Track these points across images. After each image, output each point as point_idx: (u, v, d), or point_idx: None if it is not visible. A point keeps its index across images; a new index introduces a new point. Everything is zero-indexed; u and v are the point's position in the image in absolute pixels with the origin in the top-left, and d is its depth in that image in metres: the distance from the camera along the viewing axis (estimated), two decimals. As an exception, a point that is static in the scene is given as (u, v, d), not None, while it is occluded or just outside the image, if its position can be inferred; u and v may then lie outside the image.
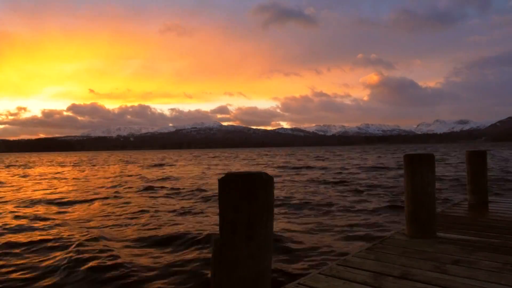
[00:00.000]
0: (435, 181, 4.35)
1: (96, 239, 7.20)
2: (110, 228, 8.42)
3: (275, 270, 5.26)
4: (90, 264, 5.75)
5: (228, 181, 1.97)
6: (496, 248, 3.72)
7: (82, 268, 5.60)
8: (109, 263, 5.78)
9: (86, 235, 7.55)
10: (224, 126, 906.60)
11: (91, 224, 8.95)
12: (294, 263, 5.75)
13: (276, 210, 9.52)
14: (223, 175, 2.01)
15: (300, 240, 7.05)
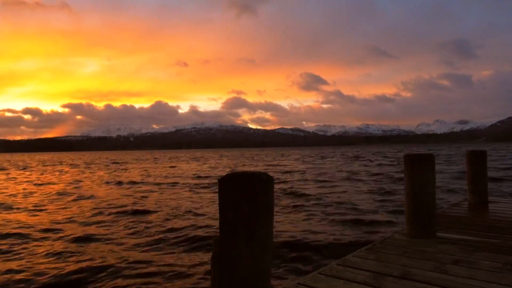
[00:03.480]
0: (435, 181, 4.35)
1: None
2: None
3: (275, 270, 5.26)
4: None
5: (228, 181, 1.97)
6: (496, 248, 3.72)
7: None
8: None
9: None
10: (224, 126, 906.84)
11: None
12: (294, 263, 5.75)
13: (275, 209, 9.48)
14: (223, 175, 2.01)
15: (300, 240, 7.05)
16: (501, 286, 2.79)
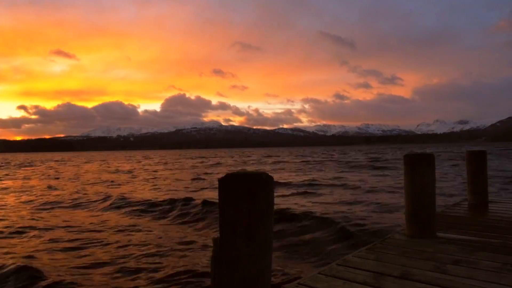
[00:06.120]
0: (435, 181, 4.35)
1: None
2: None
3: (275, 270, 5.26)
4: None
5: (228, 181, 1.97)
6: (496, 248, 3.72)
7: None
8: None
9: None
10: (224, 126, 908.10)
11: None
12: (294, 263, 5.75)
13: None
14: (223, 175, 2.01)
15: (299, 239, 7.05)
16: (501, 286, 2.79)
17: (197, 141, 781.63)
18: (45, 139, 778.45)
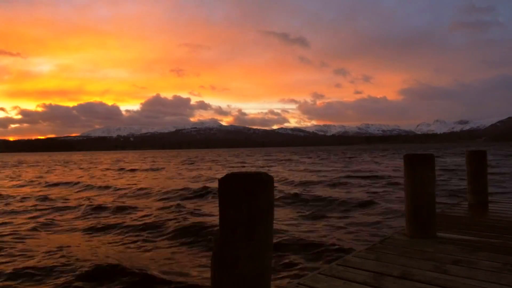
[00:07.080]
0: (435, 181, 4.35)
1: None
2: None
3: (275, 270, 5.26)
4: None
5: (228, 181, 1.97)
6: (496, 248, 3.72)
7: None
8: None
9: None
10: (224, 126, 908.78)
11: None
12: (294, 263, 5.75)
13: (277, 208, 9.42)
14: (223, 175, 2.01)
15: (300, 239, 7.05)
16: (501, 286, 2.79)
17: (197, 141, 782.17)
18: (44, 139, 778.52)
